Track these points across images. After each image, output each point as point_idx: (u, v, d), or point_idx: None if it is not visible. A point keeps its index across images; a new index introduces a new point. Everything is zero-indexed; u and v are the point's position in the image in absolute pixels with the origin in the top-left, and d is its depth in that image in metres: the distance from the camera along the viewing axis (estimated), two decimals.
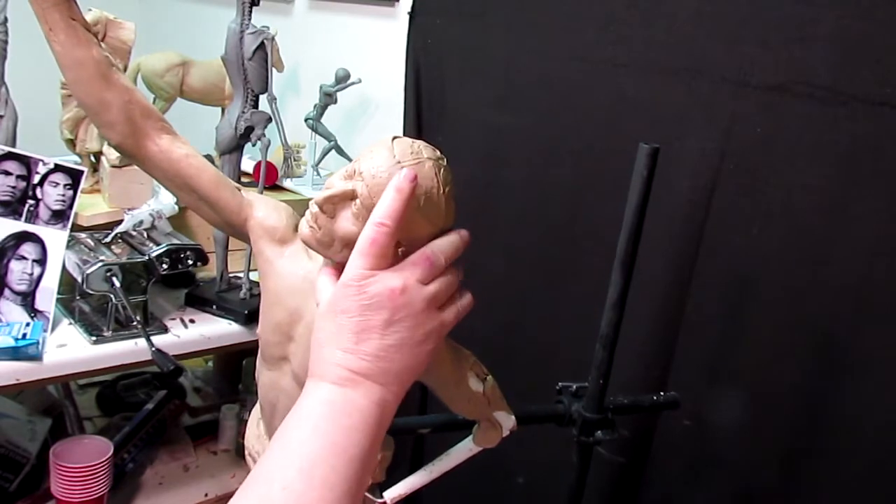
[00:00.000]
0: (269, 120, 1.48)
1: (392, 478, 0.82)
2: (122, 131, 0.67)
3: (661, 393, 1.09)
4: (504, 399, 0.79)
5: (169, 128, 0.71)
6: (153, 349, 1.20)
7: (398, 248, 0.64)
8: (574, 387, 1.01)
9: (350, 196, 0.63)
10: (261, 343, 0.74)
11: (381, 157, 0.63)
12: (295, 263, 0.71)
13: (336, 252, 0.65)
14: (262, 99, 1.45)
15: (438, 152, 0.66)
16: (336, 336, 0.54)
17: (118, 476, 1.48)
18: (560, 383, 1.02)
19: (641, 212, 0.90)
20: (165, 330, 1.34)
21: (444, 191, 0.64)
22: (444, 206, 0.64)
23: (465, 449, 0.82)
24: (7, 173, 1.23)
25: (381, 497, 0.79)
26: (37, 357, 1.18)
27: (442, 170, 0.64)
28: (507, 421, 0.80)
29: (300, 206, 0.66)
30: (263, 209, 0.73)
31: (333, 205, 0.63)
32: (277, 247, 0.72)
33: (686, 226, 1.20)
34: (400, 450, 0.83)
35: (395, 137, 0.65)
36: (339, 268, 0.61)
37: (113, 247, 1.35)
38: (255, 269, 0.76)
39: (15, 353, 1.16)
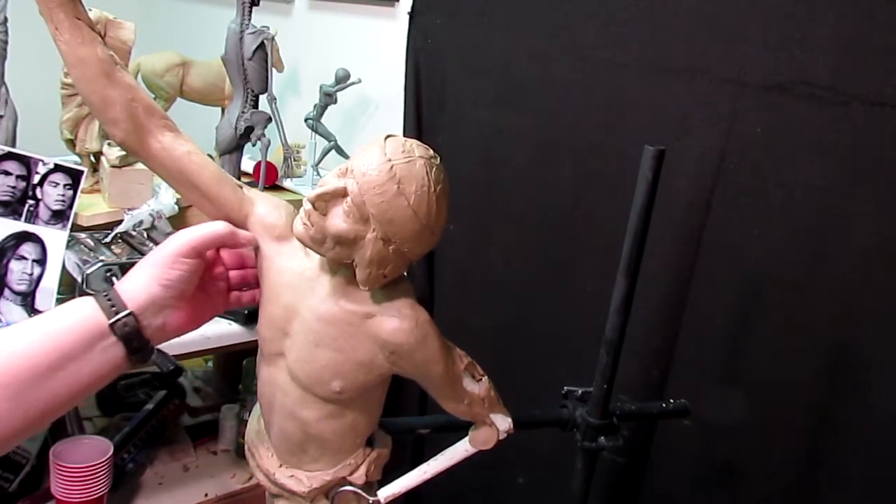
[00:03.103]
0: (269, 120, 1.48)
1: (390, 477, 0.82)
2: (125, 128, 0.68)
3: (672, 400, 1.07)
4: (500, 400, 0.79)
5: (172, 125, 0.71)
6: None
7: (389, 246, 0.64)
8: (579, 391, 1.00)
9: (341, 193, 0.64)
10: (259, 339, 0.75)
11: (373, 155, 0.63)
12: (292, 260, 0.72)
13: (328, 249, 0.65)
14: (262, 99, 1.46)
15: (431, 151, 0.66)
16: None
17: (118, 476, 1.48)
18: (566, 387, 1.01)
19: (647, 215, 0.88)
20: None
21: (434, 189, 0.64)
22: (435, 204, 0.64)
23: (460, 450, 0.82)
24: (7, 173, 1.23)
25: (376, 496, 0.79)
26: None
27: (434, 168, 0.65)
28: (504, 423, 0.80)
29: (300, 206, 0.67)
30: (264, 206, 0.73)
31: (325, 202, 0.64)
32: (276, 244, 0.72)
33: (686, 226, 1.20)
34: (399, 450, 0.83)
35: (388, 136, 0.65)
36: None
37: (113, 247, 1.35)
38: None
39: None
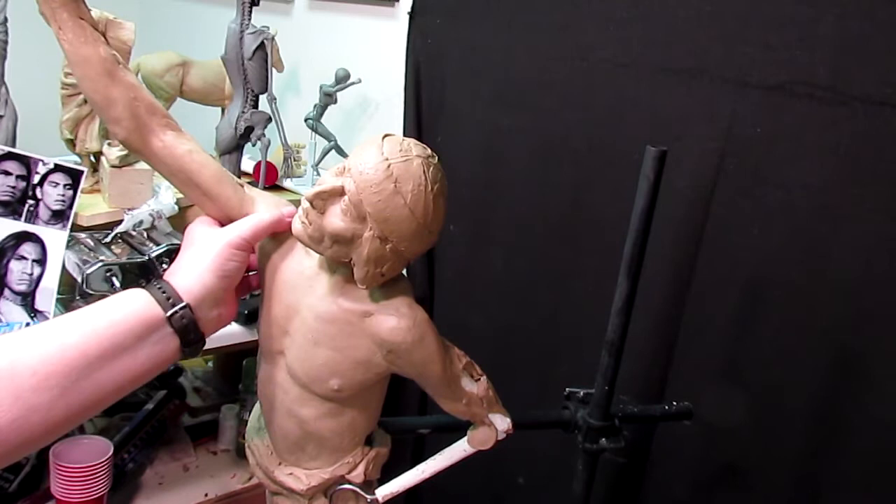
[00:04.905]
0: (269, 120, 1.48)
1: (389, 476, 0.82)
2: (127, 126, 0.69)
3: (675, 402, 1.07)
4: (499, 400, 0.79)
5: (173, 124, 0.72)
6: None
7: (386, 245, 0.65)
8: (581, 393, 1.00)
9: (339, 192, 0.64)
10: (259, 337, 0.75)
11: (370, 154, 0.64)
12: (292, 259, 0.72)
13: (326, 248, 0.65)
14: (262, 99, 1.46)
15: (429, 150, 0.66)
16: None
17: (118, 476, 1.48)
18: (568, 388, 1.01)
19: (648, 216, 0.88)
20: None
21: (431, 188, 0.64)
22: (432, 203, 0.64)
23: (459, 449, 0.82)
24: (7, 173, 1.23)
25: (374, 495, 0.79)
26: None
27: (431, 168, 0.65)
28: (503, 423, 0.80)
29: (300, 205, 0.67)
30: (264, 205, 0.74)
31: (323, 200, 0.64)
32: (276, 242, 0.73)
33: (686, 226, 1.20)
34: (400, 450, 0.83)
35: (385, 135, 0.66)
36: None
37: (113, 247, 1.35)
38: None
39: None
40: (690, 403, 1.06)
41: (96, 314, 0.62)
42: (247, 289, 0.77)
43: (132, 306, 0.63)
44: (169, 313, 0.63)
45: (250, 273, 0.77)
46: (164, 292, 0.64)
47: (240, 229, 0.69)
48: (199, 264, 0.67)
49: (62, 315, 0.63)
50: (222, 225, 0.74)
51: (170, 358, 0.65)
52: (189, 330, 0.64)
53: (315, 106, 1.87)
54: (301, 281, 0.71)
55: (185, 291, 0.65)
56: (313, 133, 1.90)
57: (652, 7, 1.21)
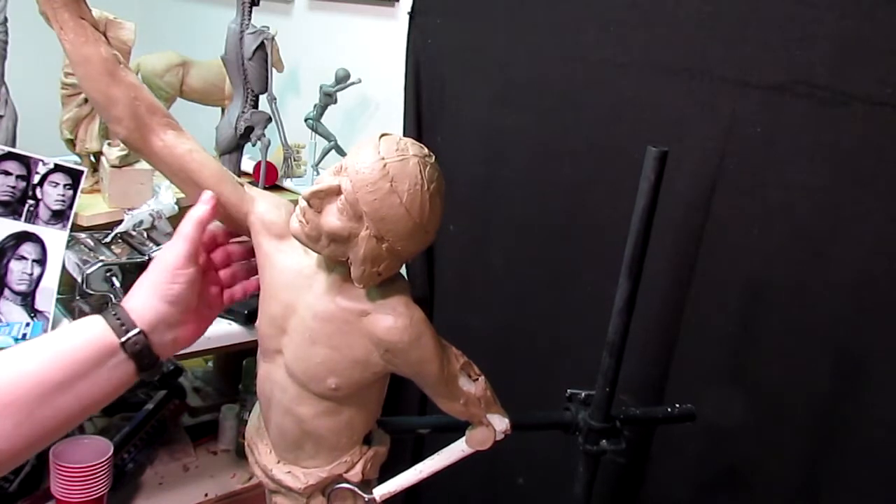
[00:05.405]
0: (269, 120, 1.48)
1: (387, 476, 0.82)
2: (128, 126, 0.69)
3: (677, 405, 1.06)
4: (497, 401, 0.79)
5: (174, 123, 0.72)
6: None
7: (382, 244, 0.65)
8: (583, 394, 0.99)
9: (336, 191, 0.64)
10: (258, 336, 0.75)
11: (367, 153, 0.64)
12: (291, 258, 0.72)
13: (324, 247, 0.66)
14: (262, 99, 1.46)
15: (426, 150, 0.66)
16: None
17: (118, 476, 1.48)
18: (569, 390, 1.01)
19: (649, 216, 0.88)
20: None
21: (428, 187, 0.64)
22: (429, 202, 0.65)
23: (457, 450, 0.82)
24: (7, 173, 1.23)
25: (372, 494, 0.79)
26: None
27: (428, 167, 0.65)
28: (501, 423, 0.80)
29: None
30: (264, 204, 0.74)
31: (320, 199, 0.65)
32: (275, 242, 0.73)
33: (686, 226, 1.20)
34: (399, 449, 0.83)
35: (383, 134, 0.66)
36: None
37: (113, 247, 1.35)
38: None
39: None
40: (693, 406, 1.05)
41: (53, 342, 0.63)
42: (220, 306, 0.77)
43: (88, 334, 0.64)
44: (122, 340, 0.64)
45: (232, 287, 0.76)
46: (118, 319, 0.65)
47: (176, 249, 0.68)
48: (148, 290, 0.68)
49: (22, 343, 0.64)
50: (223, 224, 0.74)
51: (127, 382, 0.66)
52: (143, 355, 0.65)
53: (315, 106, 1.87)
54: (299, 280, 0.71)
55: (139, 317, 0.66)
56: (313, 133, 1.90)
57: (652, 7, 1.21)
